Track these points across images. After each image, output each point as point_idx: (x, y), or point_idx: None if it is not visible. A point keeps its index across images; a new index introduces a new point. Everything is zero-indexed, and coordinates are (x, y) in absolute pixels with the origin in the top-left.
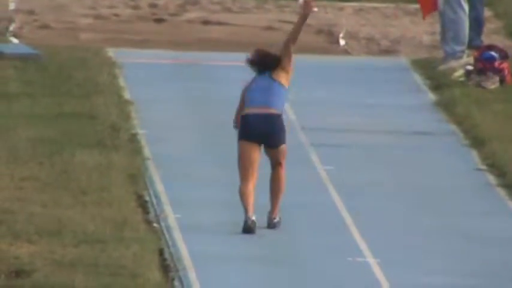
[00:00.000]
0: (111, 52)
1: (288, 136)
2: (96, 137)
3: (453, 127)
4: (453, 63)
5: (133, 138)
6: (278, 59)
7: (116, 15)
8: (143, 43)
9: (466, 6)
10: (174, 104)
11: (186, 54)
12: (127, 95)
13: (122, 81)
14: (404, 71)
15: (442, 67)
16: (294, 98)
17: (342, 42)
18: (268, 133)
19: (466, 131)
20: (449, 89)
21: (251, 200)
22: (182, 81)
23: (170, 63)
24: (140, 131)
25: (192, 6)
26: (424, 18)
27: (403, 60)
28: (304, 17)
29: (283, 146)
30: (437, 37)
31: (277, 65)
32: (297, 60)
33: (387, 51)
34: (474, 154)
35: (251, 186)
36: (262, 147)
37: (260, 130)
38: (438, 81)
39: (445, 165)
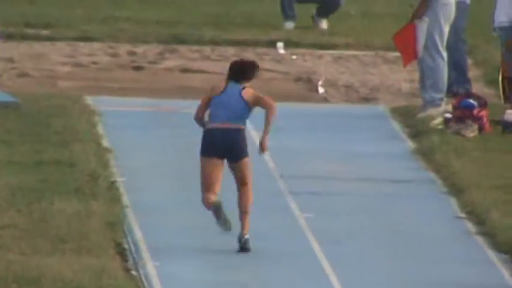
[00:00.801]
0: (89, 100)
1: (267, 184)
2: (75, 185)
3: (432, 175)
4: (432, 111)
5: (112, 186)
6: (255, 68)
7: (95, 63)
8: (122, 91)
9: (444, 54)
10: (153, 152)
11: (165, 101)
12: (106, 143)
13: (100, 129)
14: (383, 119)
15: (421, 115)
16: (272, 145)
17: (321, 89)
18: (230, 147)
19: (445, 178)
20: (428, 136)
21: (213, 197)
22: (161, 129)
23: (149, 110)
24: (119, 179)
25: (170, 54)
26: (404, 66)
27: (382, 107)
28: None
29: (246, 159)
30: (416, 85)
31: (252, 74)
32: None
33: (366, 99)
34: (453, 202)
35: (213, 195)
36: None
37: (222, 144)
38: (417, 129)
39: (424, 213)
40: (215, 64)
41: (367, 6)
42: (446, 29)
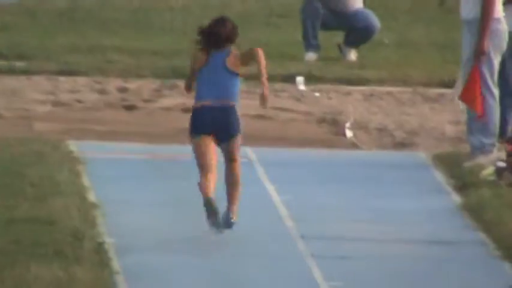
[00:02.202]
0: (72, 145)
1: (284, 246)
2: (55, 247)
3: (482, 235)
4: (481, 159)
5: (100, 248)
6: (234, 27)
7: (79, 101)
8: (111, 134)
9: (495, 91)
10: (148, 207)
11: (162, 147)
12: (92, 197)
13: (85, 180)
14: (423, 168)
15: (468, 163)
16: (291, 200)
17: (349, 133)
18: (224, 125)
19: (497, 239)
20: (476, 189)
21: (211, 185)
22: (157, 180)
23: (143, 158)
24: (107, 240)
25: (169, 90)
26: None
27: (421, 155)
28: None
29: (238, 137)
30: (463, 128)
31: (234, 35)
32: (296, 155)
33: (403, 144)
34: (507, 267)
35: (212, 181)
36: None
37: (212, 124)
38: (464, 181)
39: (473, 280)
40: None
41: (403, 35)
42: (496, 62)
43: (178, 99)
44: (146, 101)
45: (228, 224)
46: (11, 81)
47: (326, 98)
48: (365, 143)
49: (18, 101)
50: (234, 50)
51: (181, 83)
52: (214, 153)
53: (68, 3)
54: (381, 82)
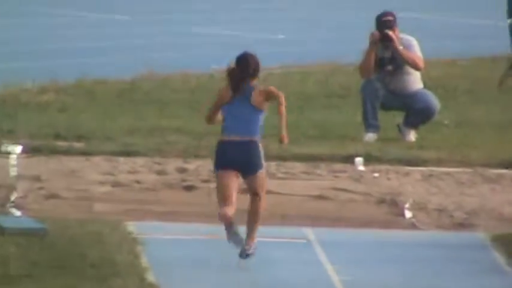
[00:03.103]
0: (131, 226)
1: None
2: None
3: None
4: None
5: None
6: (256, 62)
7: (138, 182)
8: (171, 215)
9: None
10: None
11: (222, 227)
12: (151, 278)
13: (144, 261)
14: (483, 249)
15: None
16: (350, 279)
17: (408, 214)
18: (244, 160)
19: None
20: None
21: (231, 214)
22: (218, 261)
23: (204, 239)
24: None
25: None
26: None
27: (481, 235)
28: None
29: (260, 172)
30: None
31: (257, 70)
32: (354, 234)
33: (462, 225)
34: None
35: (231, 209)
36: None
37: (236, 158)
38: None
39: None
40: (281, 183)
41: (463, 115)
42: None
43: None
44: (205, 181)
45: (243, 254)
46: (70, 162)
47: (385, 179)
48: (424, 223)
49: (78, 181)
50: (258, 87)
51: None
52: (236, 188)
53: (127, 85)
54: (440, 163)
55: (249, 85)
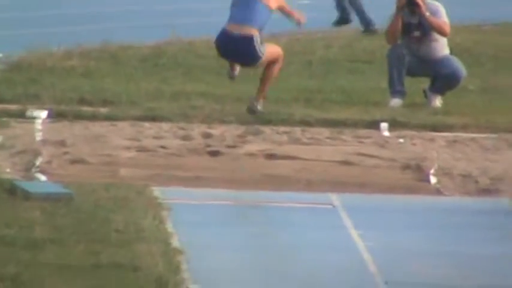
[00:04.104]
0: (157, 191)
1: None
2: None
3: None
4: None
5: None
6: None
7: (163, 147)
8: (195, 180)
9: None
10: (232, 254)
11: (247, 194)
12: (176, 243)
13: (169, 226)
14: (508, 215)
15: None
16: (374, 245)
17: (433, 179)
18: (240, 54)
19: None
20: None
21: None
22: (242, 226)
23: (228, 204)
24: (192, 286)
25: (253, 136)
26: None
27: (506, 201)
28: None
29: (261, 61)
30: None
31: None
32: (379, 200)
33: (487, 191)
34: None
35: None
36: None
37: (232, 52)
38: None
39: None
40: (306, 148)
41: (488, 81)
42: None
43: (263, 145)
44: (230, 146)
45: (251, 110)
46: (94, 127)
47: (410, 144)
48: (449, 189)
49: (103, 146)
50: None
51: (265, 129)
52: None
53: (152, 50)
54: (465, 128)
55: None
